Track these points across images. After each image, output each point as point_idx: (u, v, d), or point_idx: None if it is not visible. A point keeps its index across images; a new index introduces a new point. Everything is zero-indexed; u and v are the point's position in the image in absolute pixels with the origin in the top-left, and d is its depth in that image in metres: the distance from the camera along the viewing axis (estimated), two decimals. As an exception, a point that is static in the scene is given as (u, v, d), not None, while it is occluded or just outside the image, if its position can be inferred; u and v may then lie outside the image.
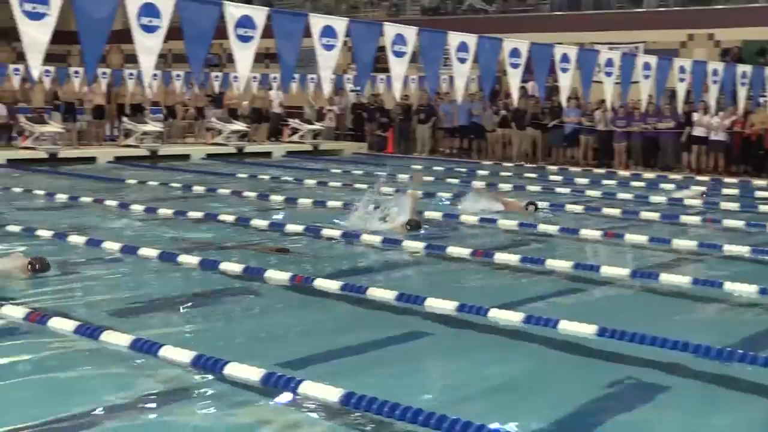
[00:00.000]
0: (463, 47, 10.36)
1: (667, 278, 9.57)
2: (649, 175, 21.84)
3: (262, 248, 10.89)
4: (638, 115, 23.08)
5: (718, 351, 6.90)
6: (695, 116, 22.19)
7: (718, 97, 17.58)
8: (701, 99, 19.66)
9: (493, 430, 4.89)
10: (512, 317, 7.82)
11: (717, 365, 6.72)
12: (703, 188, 17.98)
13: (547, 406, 5.75)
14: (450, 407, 5.45)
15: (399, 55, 10.20)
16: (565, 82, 12.05)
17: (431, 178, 20.05)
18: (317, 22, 10.50)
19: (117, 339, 6.75)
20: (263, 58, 23.48)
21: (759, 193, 18.27)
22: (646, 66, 13.43)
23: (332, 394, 5.52)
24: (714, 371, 6.61)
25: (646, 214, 14.58)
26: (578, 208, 15.19)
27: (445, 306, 8.13)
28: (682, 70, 14.10)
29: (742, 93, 15.84)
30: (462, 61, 10.36)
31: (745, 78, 15.51)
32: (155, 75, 23.55)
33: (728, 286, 9.22)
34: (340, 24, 10.56)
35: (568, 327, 7.48)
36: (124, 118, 25.60)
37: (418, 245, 11.29)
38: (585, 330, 7.40)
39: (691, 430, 5.57)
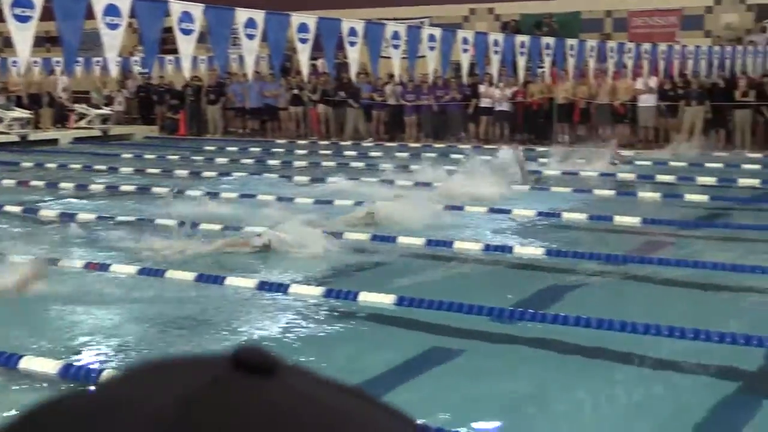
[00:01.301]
0: (251, 24, 10.26)
1: (460, 245, 9.89)
2: (440, 145, 22.44)
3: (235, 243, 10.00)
4: (426, 89, 23.66)
5: (510, 312, 7.22)
6: (481, 88, 22.94)
7: (500, 68, 18.24)
8: (485, 71, 20.31)
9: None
10: (312, 291, 7.90)
11: (509, 326, 7.03)
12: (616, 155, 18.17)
13: (349, 379, 5.85)
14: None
15: (186, 33, 10.01)
16: (354, 56, 12.17)
17: (225, 160, 19.87)
18: (99, 0, 10.12)
19: None
20: (44, 41, 22.49)
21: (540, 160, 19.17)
22: (431, 38, 13.75)
23: (50, 366, 5.50)
24: (506, 332, 6.91)
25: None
26: (374, 179, 15.47)
27: (246, 284, 8.12)
28: (465, 41, 14.51)
29: (521, 63, 16.48)
30: (250, 37, 10.26)
31: (523, 48, 16.11)
32: None
33: (517, 249, 9.63)
34: (124, 2, 10.24)
35: (368, 298, 7.64)
36: None
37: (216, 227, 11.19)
38: (384, 300, 7.57)
39: (489, 390, 5.80)
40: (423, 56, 14.01)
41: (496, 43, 15.23)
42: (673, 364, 6.22)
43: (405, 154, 20.44)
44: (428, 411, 5.26)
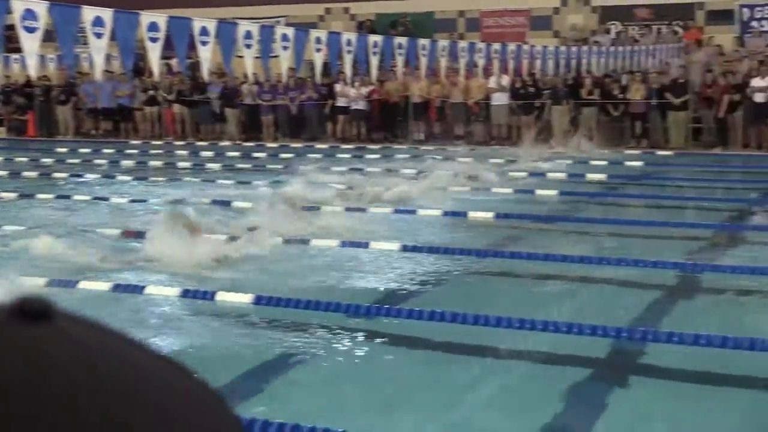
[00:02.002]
0: (98, 22, 10.02)
1: (316, 243, 9.89)
2: (297, 145, 22.43)
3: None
4: (282, 88, 23.59)
5: (367, 308, 7.29)
6: (337, 87, 23.02)
7: (355, 67, 18.41)
8: (340, 70, 20.37)
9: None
10: (169, 292, 7.80)
11: (366, 322, 7.09)
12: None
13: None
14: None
15: (30, 31, 9.68)
16: (206, 55, 12.00)
17: (77, 160, 19.36)
18: (-64, -3, 9.70)
19: None
20: None
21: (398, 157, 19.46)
22: (285, 38, 13.72)
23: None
24: (364, 327, 6.98)
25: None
26: (228, 182, 15.39)
27: (101, 287, 7.96)
28: (318, 41, 14.51)
29: (375, 62, 16.62)
30: (98, 36, 10.02)
31: (376, 48, 16.23)
32: None
33: (373, 245, 9.72)
34: (-39, 0, 9.85)
35: (226, 297, 7.60)
36: None
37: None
38: (242, 299, 7.55)
39: (347, 387, 5.84)
40: (276, 56, 13.98)
41: (348, 43, 15.32)
42: (527, 354, 6.42)
43: (263, 155, 20.39)
44: (286, 409, 5.27)
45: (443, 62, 17.98)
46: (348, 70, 15.70)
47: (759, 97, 19.86)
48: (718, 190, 14.10)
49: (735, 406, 5.44)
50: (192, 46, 12.24)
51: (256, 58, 13.29)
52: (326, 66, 18.06)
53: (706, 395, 5.67)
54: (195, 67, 20.55)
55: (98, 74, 10.65)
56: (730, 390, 5.74)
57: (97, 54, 10.19)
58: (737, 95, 20.26)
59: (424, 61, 17.43)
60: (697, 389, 5.80)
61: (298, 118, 23.96)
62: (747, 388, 5.77)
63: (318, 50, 14.51)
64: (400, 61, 16.90)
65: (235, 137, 23.98)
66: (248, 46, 12.76)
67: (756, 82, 19.99)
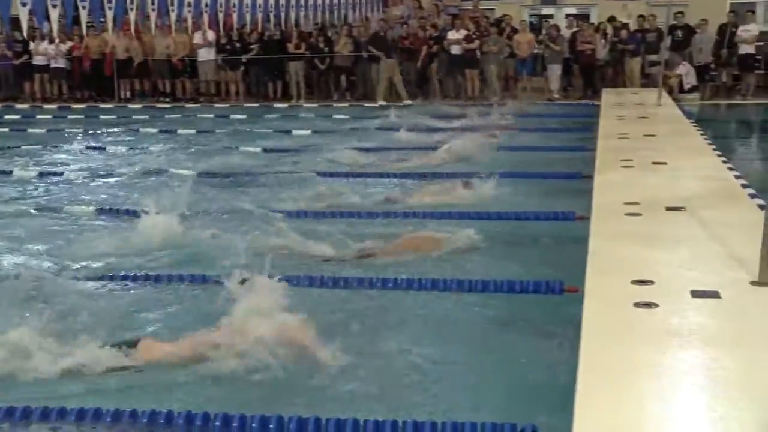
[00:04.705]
0: None
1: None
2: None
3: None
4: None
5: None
6: (32, 45, 21.80)
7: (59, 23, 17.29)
8: (36, 26, 19.19)
9: None
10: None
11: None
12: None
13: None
14: None
15: None
16: None
17: None
18: None
19: None
20: None
21: (103, 117, 18.85)
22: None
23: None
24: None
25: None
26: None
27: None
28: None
29: (54, 15, 15.46)
30: None
31: (84, 2, 15.28)
32: None
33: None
34: None
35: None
36: None
37: None
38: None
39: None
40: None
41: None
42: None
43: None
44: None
45: (133, 15, 17.32)
46: (24, 22, 14.66)
47: (455, 49, 20.79)
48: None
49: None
50: None
51: None
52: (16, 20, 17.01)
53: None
54: None
55: None
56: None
57: None
58: (435, 47, 21.08)
59: (110, 14, 16.69)
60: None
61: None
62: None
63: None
64: (83, 14, 16.08)
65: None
66: None
67: (452, 34, 20.89)
